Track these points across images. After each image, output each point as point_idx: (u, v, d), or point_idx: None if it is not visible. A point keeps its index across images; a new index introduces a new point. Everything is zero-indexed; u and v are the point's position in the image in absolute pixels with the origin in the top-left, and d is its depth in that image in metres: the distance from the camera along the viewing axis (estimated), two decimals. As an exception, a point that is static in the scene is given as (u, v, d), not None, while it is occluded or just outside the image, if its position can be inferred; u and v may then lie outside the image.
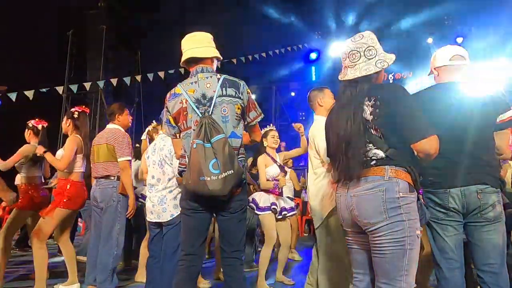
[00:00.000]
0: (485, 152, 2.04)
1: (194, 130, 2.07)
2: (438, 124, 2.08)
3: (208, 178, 1.93)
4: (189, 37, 2.26)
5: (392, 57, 1.80)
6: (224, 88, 2.13)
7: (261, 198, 3.74)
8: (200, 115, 2.08)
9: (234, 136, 2.12)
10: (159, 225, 3.01)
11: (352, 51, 1.78)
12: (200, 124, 2.01)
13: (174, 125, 2.24)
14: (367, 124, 1.68)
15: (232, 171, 1.95)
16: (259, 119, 2.30)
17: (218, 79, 2.15)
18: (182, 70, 8.49)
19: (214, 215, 2.20)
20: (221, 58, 2.34)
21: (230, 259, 2.13)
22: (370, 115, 1.67)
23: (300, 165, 10.69)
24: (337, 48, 11.47)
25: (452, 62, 2.18)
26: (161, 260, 3.03)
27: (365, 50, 1.76)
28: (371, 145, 1.68)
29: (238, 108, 2.15)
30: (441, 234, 2.07)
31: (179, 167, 2.25)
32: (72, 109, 3.68)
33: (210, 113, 2.07)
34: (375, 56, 1.76)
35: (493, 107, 2.04)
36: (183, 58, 2.23)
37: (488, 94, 2.07)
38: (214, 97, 2.10)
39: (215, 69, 2.28)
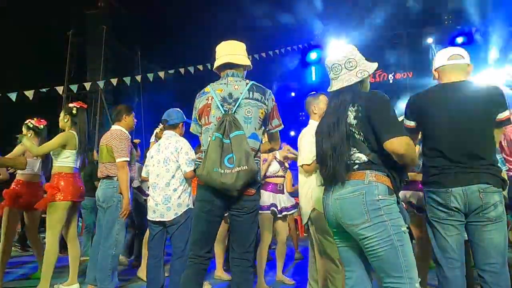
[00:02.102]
0: (486, 151, 2.05)
1: (215, 125, 2.13)
2: (438, 124, 2.10)
3: (222, 171, 1.99)
4: (225, 44, 2.37)
5: (373, 65, 1.91)
6: (251, 92, 2.21)
7: (262, 197, 3.74)
8: (223, 112, 2.14)
9: (254, 137, 2.17)
10: (161, 224, 3.01)
11: (334, 65, 1.93)
12: (222, 120, 2.08)
13: (200, 123, 2.32)
14: (351, 129, 1.78)
15: (246, 167, 1.99)
16: (279, 128, 2.38)
17: (247, 83, 2.25)
18: (182, 70, 8.51)
19: (227, 214, 2.24)
20: (251, 67, 2.43)
21: (241, 260, 2.16)
22: (354, 119, 1.78)
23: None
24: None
25: (451, 61, 2.20)
26: (163, 259, 3.06)
27: (345, 62, 1.90)
28: (355, 149, 1.77)
29: (262, 113, 2.22)
30: (443, 234, 2.09)
31: (196, 161, 2.28)
32: (71, 105, 3.65)
33: (233, 112, 2.14)
34: (355, 67, 1.88)
35: (493, 106, 2.05)
36: (219, 63, 2.32)
37: (488, 93, 2.08)
38: (240, 98, 2.18)
39: (245, 77, 2.37)
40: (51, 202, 3.32)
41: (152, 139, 4.37)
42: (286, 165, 3.97)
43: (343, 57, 1.90)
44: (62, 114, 3.61)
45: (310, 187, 2.89)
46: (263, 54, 9.45)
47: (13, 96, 6.58)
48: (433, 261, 2.20)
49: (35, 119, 3.94)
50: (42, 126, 3.90)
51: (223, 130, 2.05)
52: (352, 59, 1.89)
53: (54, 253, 3.30)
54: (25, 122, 3.92)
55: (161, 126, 4.29)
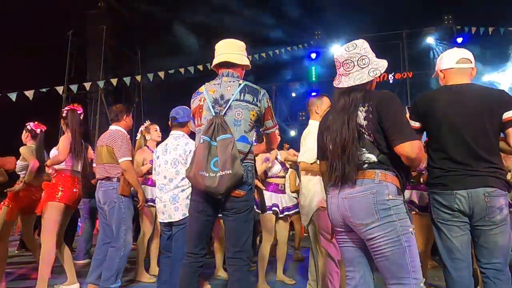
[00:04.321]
0: (491, 154, 2.04)
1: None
2: (444, 126, 2.09)
3: (207, 174, 2.01)
4: (224, 43, 2.36)
5: (385, 64, 1.85)
6: (242, 94, 2.19)
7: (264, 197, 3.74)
8: (214, 114, 2.15)
9: (243, 140, 2.16)
10: (169, 225, 2.98)
11: (346, 60, 1.85)
12: (211, 122, 2.09)
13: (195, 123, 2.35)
14: (361, 129, 1.75)
15: (230, 172, 1.99)
16: (274, 129, 2.37)
17: (239, 84, 2.23)
18: (182, 70, 8.52)
19: (220, 215, 2.26)
20: (250, 67, 2.41)
21: (234, 259, 2.16)
22: (364, 120, 1.74)
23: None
24: (337, 48, 11.46)
25: (459, 65, 2.19)
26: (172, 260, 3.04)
27: (358, 59, 1.82)
28: (364, 149, 1.74)
29: (253, 115, 2.20)
30: (448, 235, 2.09)
31: None
32: (63, 109, 3.69)
33: (223, 114, 2.14)
34: (368, 65, 1.82)
35: (499, 107, 2.04)
36: (217, 61, 2.31)
37: (493, 95, 2.08)
38: (231, 100, 2.17)
39: (242, 77, 2.36)
40: (49, 202, 3.31)
41: (138, 136, 4.38)
42: (287, 165, 3.96)
43: (356, 53, 1.82)
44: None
45: (313, 187, 2.88)
46: (263, 54, 9.45)
47: (13, 96, 6.59)
48: (440, 262, 2.20)
49: (36, 122, 3.94)
50: (38, 130, 3.89)
51: (211, 133, 2.06)
52: (365, 56, 1.82)
53: (50, 254, 3.29)
54: (26, 125, 3.92)
55: (146, 124, 4.32)
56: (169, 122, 3.19)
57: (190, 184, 2.92)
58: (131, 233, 3.38)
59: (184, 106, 3.18)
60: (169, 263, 2.95)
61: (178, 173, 2.93)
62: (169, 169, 2.96)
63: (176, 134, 3.06)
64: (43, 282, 3.24)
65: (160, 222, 3.05)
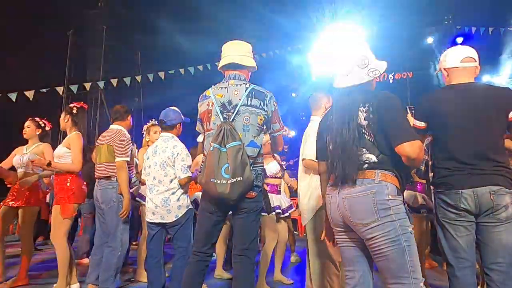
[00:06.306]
0: (497, 152, 2.04)
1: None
2: (449, 126, 2.10)
3: (218, 181, 2.05)
4: (231, 44, 2.38)
5: (384, 65, 1.86)
6: (249, 98, 2.22)
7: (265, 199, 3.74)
8: (222, 120, 2.18)
9: (252, 145, 2.20)
10: (160, 224, 3.01)
11: (346, 60, 1.87)
12: (220, 128, 2.12)
13: (202, 126, 2.38)
14: (361, 129, 1.76)
15: (241, 178, 2.04)
16: (280, 132, 2.40)
17: (246, 88, 2.24)
18: (182, 71, 8.51)
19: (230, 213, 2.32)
20: (256, 69, 2.42)
21: (241, 256, 2.20)
22: (365, 120, 1.76)
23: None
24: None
25: (463, 64, 2.19)
26: (163, 259, 3.07)
27: (357, 59, 1.84)
28: (364, 149, 1.76)
29: (261, 119, 2.24)
30: (453, 234, 2.09)
31: (202, 164, 2.31)
32: (71, 105, 3.69)
33: (232, 120, 2.18)
34: (367, 65, 1.84)
35: (504, 106, 2.04)
36: (223, 63, 2.34)
37: (499, 93, 2.08)
38: (238, 105, 2.20)
39: (249, 79, 2.38)
40: (63, 203, 3.35)
41: (144, 135, 4.43)
42: (283, 167, 3.98)
43: (355, 53, 1.85)
44: (63, 115, 3.63)
45: (310, 185, 2.87)
46: (263, 55, 9.45)
47: (13, 96, 6.59)
48: (444, 261, 2.20)
49: (44, 120, 3.95)
50: (47, 128, 3.93)
51: (220, 140, 2.09)
52: (365, 56, 1.84)
53: (67, 252, 3.37)
54: (36, 120, 3.91)
55: (150, 123, 4.34)
56: (160, 126, 3.20)
57: (179, 186, 2.98)
58: (127, 233, 3.38)
59: (174, 108, 3.19)
60: (155, 264, 3.01)
61: (167, 175, 2.97)
62: (158, 170, 3.00)
63: (165, 136, 3.09)
64: (63, 279, 3.35)
65: (148, 222, 3.06)
